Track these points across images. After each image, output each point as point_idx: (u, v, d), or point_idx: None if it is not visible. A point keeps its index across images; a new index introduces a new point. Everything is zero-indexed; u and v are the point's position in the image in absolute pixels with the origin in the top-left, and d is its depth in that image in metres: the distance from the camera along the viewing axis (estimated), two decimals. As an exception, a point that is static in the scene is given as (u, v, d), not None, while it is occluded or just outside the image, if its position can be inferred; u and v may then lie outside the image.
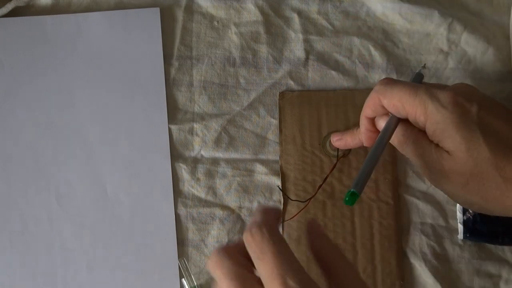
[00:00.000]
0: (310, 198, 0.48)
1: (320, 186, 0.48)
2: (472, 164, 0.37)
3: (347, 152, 0.49)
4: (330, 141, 0.49)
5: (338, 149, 0.48)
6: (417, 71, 0.46)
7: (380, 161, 0.42)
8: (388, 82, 0.41)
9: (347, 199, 0.37)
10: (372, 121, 0.43)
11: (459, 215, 0.48)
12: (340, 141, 0.47)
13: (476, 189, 0.38)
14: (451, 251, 0.49)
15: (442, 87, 0.40)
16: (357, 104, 0.50)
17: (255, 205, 0.50)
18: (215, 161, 0.51)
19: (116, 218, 0.51)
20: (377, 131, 0.43)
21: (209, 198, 0.50)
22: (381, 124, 0.42)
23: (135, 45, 0.51)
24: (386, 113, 0.41)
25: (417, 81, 0.44)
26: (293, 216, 0.48)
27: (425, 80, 0.50)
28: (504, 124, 0.38)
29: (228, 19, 0.52)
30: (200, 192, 0.50)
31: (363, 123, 0.43)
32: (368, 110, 0.42)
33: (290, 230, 0.48)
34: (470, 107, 0.38)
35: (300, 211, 0.48)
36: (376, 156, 0.39)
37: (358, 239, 0.48)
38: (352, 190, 0.37)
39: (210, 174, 0.50)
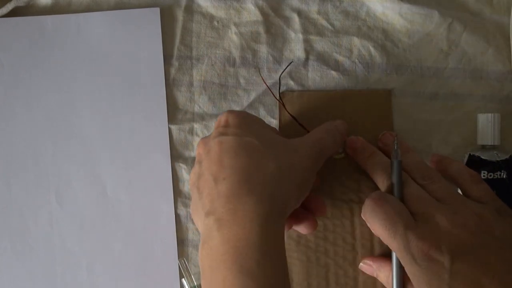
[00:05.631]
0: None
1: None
2: None
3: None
4: None
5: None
6: (393, 156, 0.43)
7: None
8: (374, 207, 0.40)
9: None
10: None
11: (459, 215, 0.48)
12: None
13: None
14: (451, 251, 0.49)
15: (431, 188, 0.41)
16: (357, 104, 0.50)
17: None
18: (215, 161, 0.50)
19: (116, 218, 0.51)
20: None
21: (209, 198, 0.50)
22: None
23: (135, 45, 0.51)
24: None
25: (398, 170, 0.42)
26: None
27: (425, 80, 0.50)
28: (482, 273, 0.36)
29: (228, 19, 0.52)
30: (200, 192, 0.50)
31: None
32: None
33: (290, 230, 0.48)
34: (443, 259, 0.36)
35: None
36: None
37: (358, 239, 0.48)
38: None
39: (210, 174, 0.50)
